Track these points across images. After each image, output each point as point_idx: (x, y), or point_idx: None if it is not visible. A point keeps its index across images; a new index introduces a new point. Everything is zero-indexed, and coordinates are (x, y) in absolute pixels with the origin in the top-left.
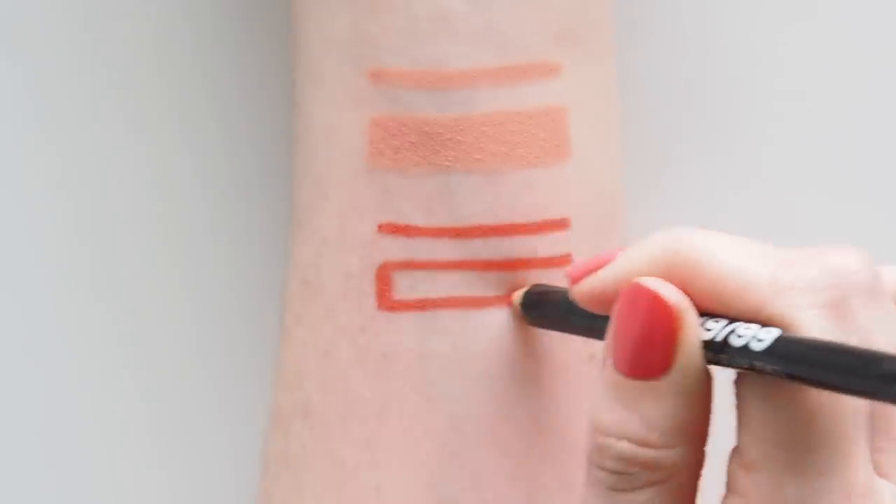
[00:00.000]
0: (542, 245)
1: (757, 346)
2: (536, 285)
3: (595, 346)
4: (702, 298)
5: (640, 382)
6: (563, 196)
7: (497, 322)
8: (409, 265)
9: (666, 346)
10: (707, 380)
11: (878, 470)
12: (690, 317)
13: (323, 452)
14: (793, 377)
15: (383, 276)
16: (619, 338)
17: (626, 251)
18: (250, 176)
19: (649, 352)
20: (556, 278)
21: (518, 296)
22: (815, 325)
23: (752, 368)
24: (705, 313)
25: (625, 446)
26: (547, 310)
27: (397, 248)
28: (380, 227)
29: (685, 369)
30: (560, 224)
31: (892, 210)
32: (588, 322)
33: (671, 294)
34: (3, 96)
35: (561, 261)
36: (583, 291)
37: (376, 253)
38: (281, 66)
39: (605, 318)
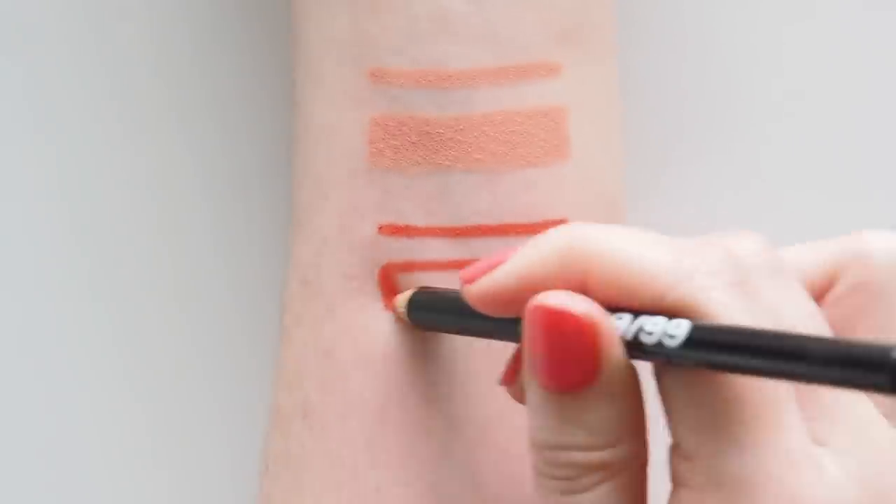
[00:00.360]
0: None
1: (671, 342)
2: (422, 287)
3: None
4: (602, 292)
5: (571, 395)
6: (563, 196)
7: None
8: (411, 266)
9: (587, 359)
10: (633, 374)
11: (814, 438)
12: (605, 323)
13: (323, 452)
14: (712, 366)
15: (387, 278)
16: (537, 359)
17: (520, 250)
18: (250, 176)
19: (572, 368)
20: None
21: (403, 298)
22: (722, 304)
23: (669, 362)
24: (608, 308)
25: (572, 455)
26: (436, 312)
27: (397, 249)
28: (380, 228)
29: (613, 374)
30: (560, 224)
31: (893, 210)
32: (483, 324)
33: (579, 305)
34: (2, 96)
35: None
36: (476, 293)
37: (376, 253)
38: (281, 66)
39: (499, 320)
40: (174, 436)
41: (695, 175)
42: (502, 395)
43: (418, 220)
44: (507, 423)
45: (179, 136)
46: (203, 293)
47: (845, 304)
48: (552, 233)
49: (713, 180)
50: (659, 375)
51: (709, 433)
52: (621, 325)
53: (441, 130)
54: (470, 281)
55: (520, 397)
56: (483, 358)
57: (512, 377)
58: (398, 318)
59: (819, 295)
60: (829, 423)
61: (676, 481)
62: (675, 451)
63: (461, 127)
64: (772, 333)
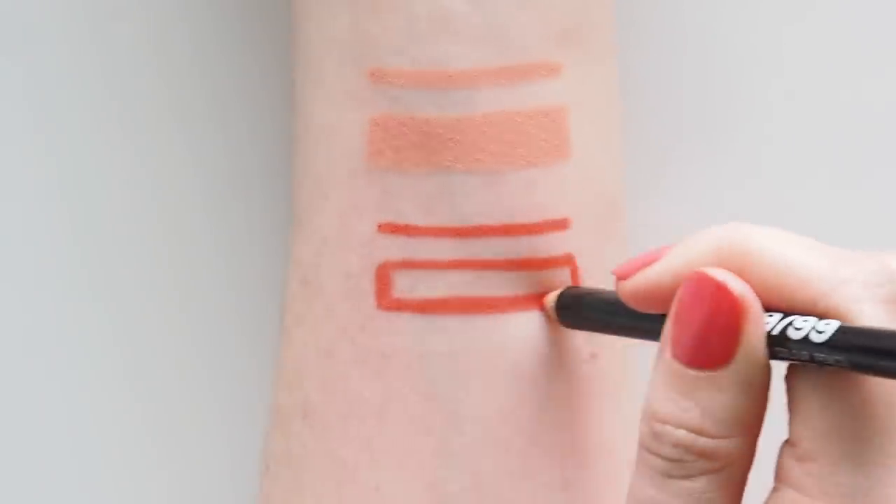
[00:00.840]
0: (543, 245)
1: (817, 338)
2: (570, 287)
3: (595, 345)
4: (760, 290)
5: (701, 372)
6: (564, 196)
7: (496, 322)
8: (409, 265)
9: (729, 336)
10: (767, 372)
11: None
12: (756, 308)
13: (323, 452)
14: (856, 367)
15: (383, 276)
16: (680, 327)
17: (678, 246)
18: (250, 176)
19: (712, 342)
20: (557, 278)
21: (552, 297)
22: (874, 318)
23: (811, 360)
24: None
25: (682, 434)
26: (585, 310)
27: (397, 248)
28: (379, 226)
29: (748, 361)
30: (560, 224)
31: (892, 209)
32: (631, 321)
33: (737, 284)
34: (2, 96)
35: (561, 261)
36: (632, 289)
37: (376, 253)
38: (281, 66)
39: (650, 317)
40: (174, 436)
41: (695, 175)
42: (503, 391)
43: (418, 220)
44: (507, 422)
45: (179, 136)
46: (203, 293)
47: None
48: (710, 230)
49: (713, 180)
50: (791, 374)
51: (832, 440)
52: (771, 321)
53: (441, 130)
54: (624, 277)
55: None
56: (482, 356)
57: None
58: (548, 319)
59: None
60: None
61: (784, 481)
62: (790, 450)
63: (461, 127)
64: None
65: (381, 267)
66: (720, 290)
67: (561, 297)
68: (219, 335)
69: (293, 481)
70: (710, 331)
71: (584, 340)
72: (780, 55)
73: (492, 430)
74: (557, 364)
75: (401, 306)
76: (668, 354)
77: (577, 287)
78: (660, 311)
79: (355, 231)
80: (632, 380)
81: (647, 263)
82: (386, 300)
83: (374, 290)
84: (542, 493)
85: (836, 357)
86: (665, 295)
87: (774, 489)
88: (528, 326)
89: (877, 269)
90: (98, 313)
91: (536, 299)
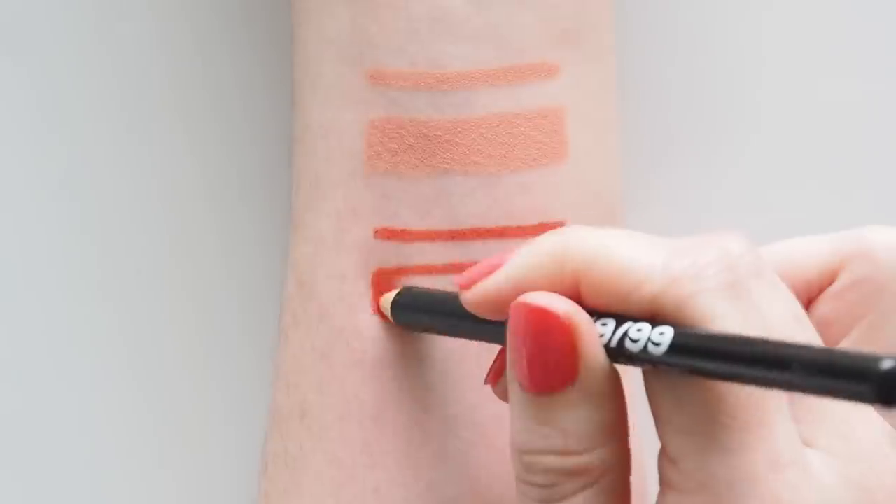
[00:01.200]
0: None
1: (656, 350)
2: (407, 287)
3: None
4: (593, 296)
5: (549, 397)
6: (561, 198)
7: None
8: (404, 269)
9: (565, 358)
10: (614, 379)
11: (802, 438)
12: (585, 324)
13: (321, 453)
14: (698, 373)
15: (378, 281)
16: (517, 358)
17: (516, 254)
18: (250, 176)
19: (550, 367)
20: None
21: (387, 298)
22: (712, 309)
23: (655, 366)
24: (597, 312)
25: (549, 460)
26: (421, 312)
27: (393, 253)
28: (376, 231)
29: (591, 376)
30: (557, 226)
31: (892, 208)
32: (469, 326)
33: (560, 305)
34: (4, 96)
35: None
36: (473, 297)
37: (372, 256)
38: (281, 66)
39: (487, 323)
40: (174, 435)
41: (693, 175)
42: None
43: (415, 223)
44: (504, 424)
45: (179, 135)
46: (203, 293)
47: (847, 298)
48: (546, 237)
49: (711, 180)
50: (646, 378)
51: (694, 436)
52: (605, 331)
53: (439, 133)
54: (467, 286)
55: (505, 397)
56: (479, 359)
57: (497, 377)
58: (383, 318)
59: (819, 289)
60: (815, 424)
61: (664, 483)
62: (663, 453)
63: (459, 129)
64: (756, 341)
65: (377, 273)
66: (543, 315)
67: (398, 297)
68: (218, 335)
69: (291, 482)
70: (544, 356)
71: None
72: (779, 56)
73: (489, 434)
74: None
75: None
76: (516, 386)
77: (414, 287)
78: (503, 318)
79: (352, 234)
80: (626, 384)
81: (488, 271)
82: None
83: (370, 295)
84: None
85: (677, 365)
86: (505, 303)
87: (659, 493)
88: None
89: (711, 257)
90: (98, 313)
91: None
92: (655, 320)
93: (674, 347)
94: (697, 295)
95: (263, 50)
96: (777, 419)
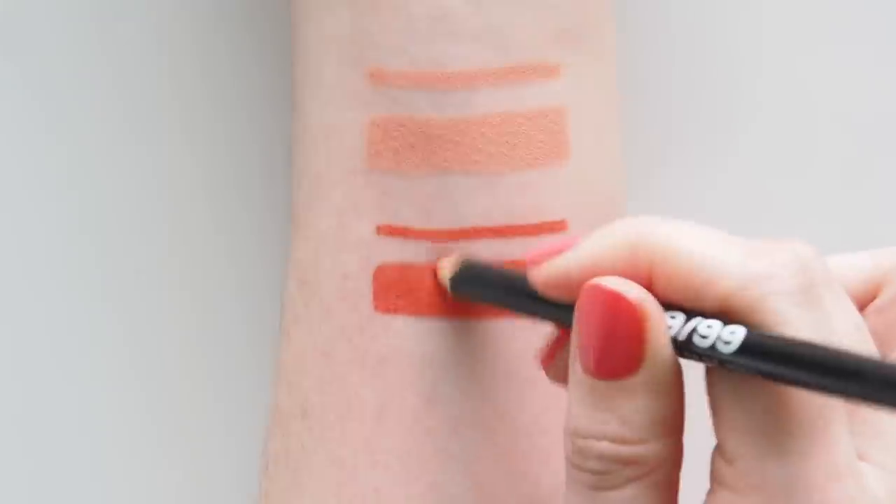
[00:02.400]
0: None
1: (725, 349)
2: (467, 258)
3: None
4: (666, 287)
5: (612, 382)
6: (562, 197)
7: (495, 324)
8: (407, 267)
9: (633, 344)
10: (678, 372)
11: (858, 453)
12: (655, 313)
13: (322, 453)
14: (765, 375)
15: (380, 278)
16: (584, 341)
17: (587, 239)
18: (250, 176)
19: (616, 353)
20: None
21: (446, 266)
22: (787, 313)
23: (721, 365)
24: (666, 304)
25: (604, 446)
26: (482, 286)
27: (395, 250)
28: (378, 228)
29: (655, 366)
30: (558, 226)
31: (891, 208)
32: (530, 304)
33: (632, 292)
34: (3, 96)
35: None
36: (542, 276)
37: (374, 254)
38: (281, 66)
39: (551, 303)
40: (174, 435)
41: (694, 175)
42: (502, 394)
43: (416, 222)
44: (507, 423)
45: (179, 135)
46: (203, 293)
47: (889, 314)
48: (623, 223)
49: (713, 180)
50: (707, 374)
51: (754, 437)
52: (674, 324)
53: (440, 132)
54: (535, 263)
55: (557, 378)
56: (481, 359)
57: (550, 358)
58: (440, 285)
59: (861, 305)
60: (871, 438)
61: (717, 482)
62: (718, 452)
63: (460, 128)
64: (828, 350)
65: (379, 269)
66: (616, 299)
67: (462, 268)
68: (219, 335)
69: (292, 481)
70: (612, 341)
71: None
72: (779, 56)
73: (491, 433)
74: None
75: (398, 308)
76: (578, 369)
77: (473, 259)
78: (567, 300)
79: (353, 232)
80: None
81: (557, 252)
82: (384, 302)
83: (372, 292)
84: (542, 495)
85: (746, 366)
86: (575, 285)
87: (710, 490)
88: (527, 329)
89: (788, 260)
90: (98, 313)
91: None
92: (726, 318)
93: (744, 348)
94: (772, 296)
95: (263, 50)
96: (837, 429)
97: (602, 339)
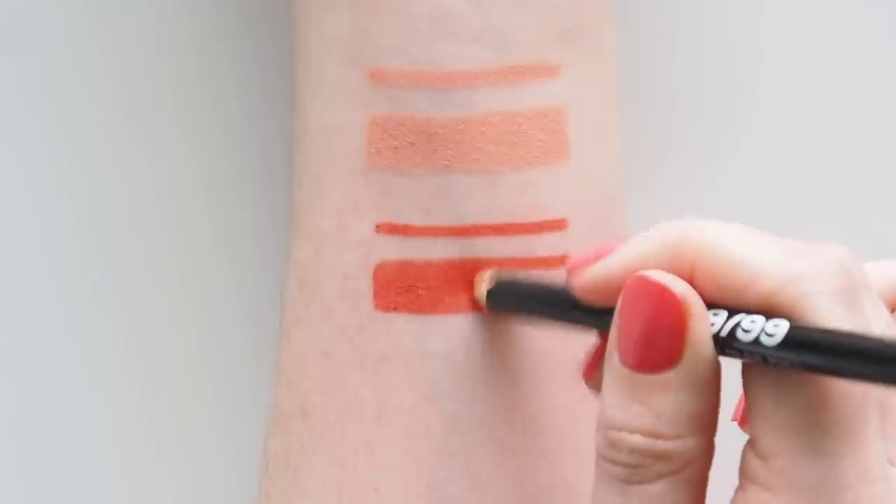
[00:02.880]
0: (540, 245)
1: (768, 341)
2: (501, 271)
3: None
4: (708, 288)
5: (650, 376)
6: (562, 196)
7: (495, 322)
8: (406, 265)
9: (674, 338)
10: (716, 370)
11: (888, 457)
12: (698, 308)
13: (322, 453)
14: (809, 368)
15: (380, 277)
16: (625, 332)
17: (631, 241)
18: (250, 176)
19: (657, 345)
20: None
21: (481, 283)
22: (828, 312)
23: (763, 360)
24: (709, 304)
25: (637, 439)
26: (516, 299)
27: (395, 248)
28: (377, 226)
29: (695, 361)
30: (558, 224)
31: (891, 208)
32: (566, 314)
33: (678, 286)
34: (3, 96)
35: (558, 261)
36: (583, 282)
37: (374, 253)
38: (281, 66)
39: (587, 311)
40: (174, 435)
41: (694, 175)
42: (502, 392)
43: (416, 220)
44: (507, 422)
45: (179, 135)
46: (203, 293)
47: None
48: (664, 226)
49: (713, 180)
50: (746, 371)
51: (791, 434)
52: (716, 321)
53: (440, 131)
54: (576, 269)
55: (598, 389)
56: (482, 357)
57: (593, 369)
58: (477, 305)
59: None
60: None
61: (748, 477)
62: (752, 447)
63: (460, 127)
64: (871, 338)
65: (379, 267)
66: (661, 292)
67: (496, 283)
68: (219, 335)
69: (292, 481)
70: (654, 334)
71: (582, 343)
72: (779, 56)
73: (491, 431)
74: (556, 366)
75: (398, 307)
76: (616, 360)
77: (506, 272)
78: (607, 305)
79: (353, 231)
80: None
81: (598, 257)
82: (384, 301)
83: (372, 291)
84: (542, 494)
85: (789, 359)
86: (616, 290)
87: (740, 486)
88: (527, 327)
89: (829, 261)
90: (98, 313)
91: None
92: (767, 315)
93: (788, 341)
94: (815, 295)
95: (263, 50)
96: (872, 433)
97: (644, 331)
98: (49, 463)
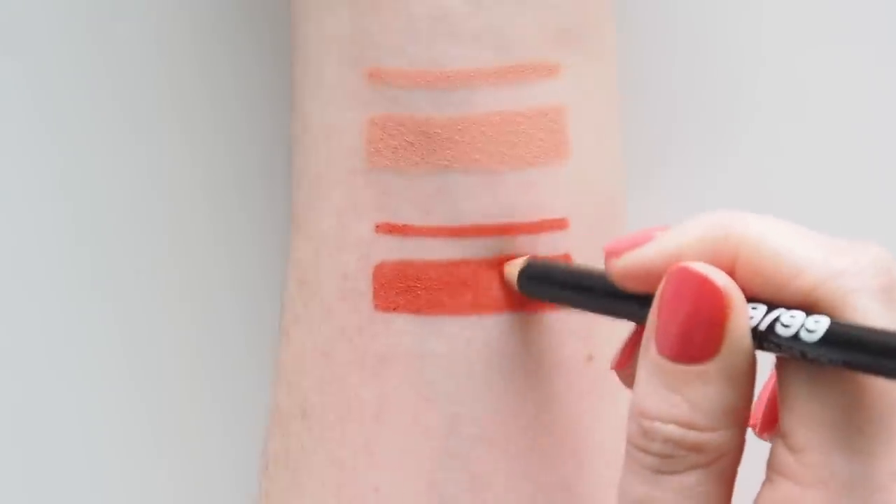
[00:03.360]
0: (541, 245)
1: (808, 337)
2: (535, 257)
3: (592, 347)
4: (748, 280)
5: (687, 366)
6: (562, 196)
7: (494, 322)
8: (406, 265)
9: (714, 329)
10: (753, 363)
11: None
12: (739, 300)
13: (322, 453)
14: (849, 365)
15: (380, 277)
16: (664, 321)
17: (672, 230)
18: (250, 176)
19: (697, 336)
20: None
21: (514, 266)
22: (869, 310)
23: (802, 356)
24: (748, 298)
25: (672, 429)
26: (550, 283)
27: (394, 248)
28: (377, 226)
29: (733, 353)
30: (558, 224)
31: (892, 208)
32: (600, 300)
33: (720, 278)
34: (3, 96)
35: (559, 261)
36: (623, 266)
37: (373, 253)
38: (281, 66)
39: (621, 297)
40: (174, 435)
41: (694, 174)
42: (502, 392)
43: (416, 220)
44: (505, 423)
45: (179, 135)
46: (203, 293)
47: None
48: (704, 216)
49: (713, 180)
50: (780, 365)
51: (826, 430)
52: (755, 314)
53: (439, 130)
54: (615, 254)
55: (630, 383)
56: (480, 357)
57: (626, 361)
58: (507, 284)
59: None
60: None
61: (777, 471)
62: (783, 441)
63: (459, 127)
64: None
65: (379, 266)
66: (703, 283)
67: (527, 266)
68: (219, 335)
69: (292, 482)
70: (694, 324)
71: (581, 342)
72: (779, 55)
73: (490, 431)
74: (555, 365)
75: (398, 307)
76: (653, 350)
77: (542, 257)
78: (645, 292)
79: (353, 231)
80: None
81: (638, 243)
82: (383, 301)
83: (372, 291)
84: (541, 493)
85: (828, 355)
86: (654, 277)
87: (768, 480)
88: (526, 327)
89: (870, 259)
90: (98, 313)
91: (535, 300)
92: (807, 311)
93: (828, 337)
94: (857, 292)
95: (263, 50)
96: None
97: (684, 321)
98: (49, 463)
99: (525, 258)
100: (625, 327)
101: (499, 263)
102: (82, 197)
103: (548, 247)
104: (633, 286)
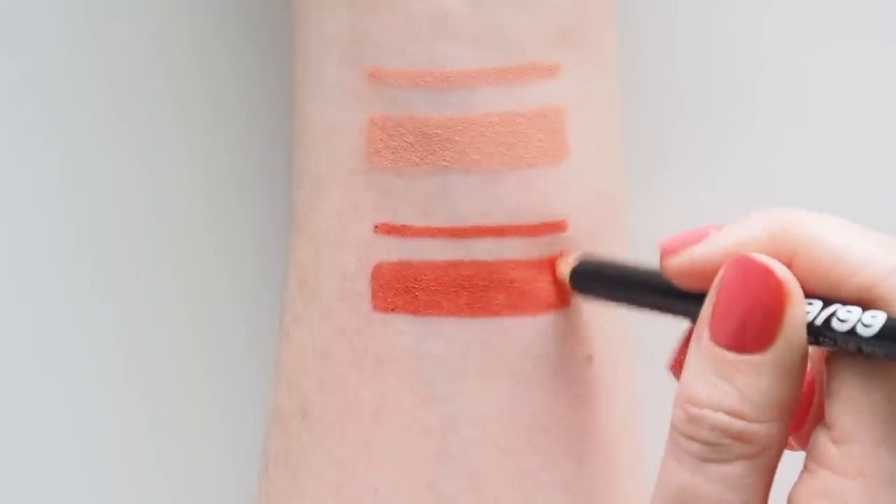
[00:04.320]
0: (540, 246)
1: (865, 332)
2: (585, 254)
3: (592, 348)
4: (806, 277)
5: (740, 356)
6: (562, 197)
7: (493, 323)
8: (405, 266)
9: (771, 321)
10: (805, 359)
11: None
12: (798, 293)
13: (321, 453)
14: None
15: (379, 277)
16: (722, 310)
17: (730, 227)
18: (250, 176)
19: (754, 326)
20: None
21: (566, 264)
22: None
23: (858, 351)
24: (805, 294)
25: (720, 417)
26: (602, 282)
27: (393, 249)
28: (376, 227)
29: (788, 346)
30: (558, 225)
31: (892, 208)
32: (652, 298)
33: (780, 269)
34: (2, 96)
35: None
36: (679, 265)
37: (372, 253)
38: (281, 66)
39: (673, 295)
40: (174, 435)
41: (694, 175)
42: (500, 393)
43: (415, 221)
44: (505, 423)
45: (179, 136)
46: (203, 293)
47: None
48: (764, 213)
49: (713, 181)
50: (830, 358)
51: (871, 423)
52: (811, 310)
53: (439, 131)
54: (672, 251)
55: None
56: (479, 358)
57: (681, 363)
58: (560, 283)
59: None
60: None
61: (818, 461)
62: (826, 432)
63: (459, 128)
64: None
65: (378, 267)
66: (765, 274)
67: (579, 265)
68: (219, 335)
69: (292, 482)
70: (752, 314)
71: (580, 342)
72: (780, 56)
73: (489, 432)
74: (554, 365)
75: (396, 308)
76: (706, 337)
77: (592, 255)
78: (699, 290)
79: (352, 232)
80: (628, 381)
81: (694, 241)
82: (381, 302)
83: (371, 292)
84: (541, 493)
85: (884, 349)
86: (711, 274)
87: (807, 470)
88: (525, 328)
89: None
90: (98, 313)
91: (534, 301)
92: (864, 307)
93: (884, 332)
94: None
95: (263, 50)
96: None
97: (742, 310)
98: (49, 463)
99: (576, 255)
100: (625, 328)
101: (498, 264)
102: (82, 197)
103: (547, 248)
104: (689, 284)
